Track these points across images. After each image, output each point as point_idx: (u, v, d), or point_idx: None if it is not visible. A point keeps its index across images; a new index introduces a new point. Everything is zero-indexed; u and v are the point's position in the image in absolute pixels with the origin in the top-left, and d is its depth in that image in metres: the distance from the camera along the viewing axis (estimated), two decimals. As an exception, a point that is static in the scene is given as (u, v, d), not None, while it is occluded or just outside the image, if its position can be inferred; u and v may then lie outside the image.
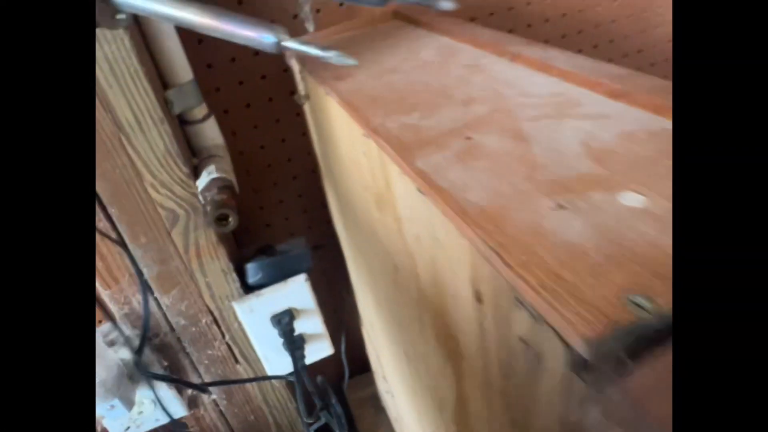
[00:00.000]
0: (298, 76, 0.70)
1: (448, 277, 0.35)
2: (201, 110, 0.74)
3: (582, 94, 0.40)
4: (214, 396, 0.90)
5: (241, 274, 0.82)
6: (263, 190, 0.97)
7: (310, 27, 0.80)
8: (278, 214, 1.01)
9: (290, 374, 0.87)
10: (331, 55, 0.31)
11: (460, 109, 0.42)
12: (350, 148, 0.53)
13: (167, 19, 0.32)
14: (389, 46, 0.63)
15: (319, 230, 1.05)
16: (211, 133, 0.76)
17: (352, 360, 1.11)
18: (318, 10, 0.83)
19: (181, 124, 0.74)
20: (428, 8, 0.39)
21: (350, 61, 0.32)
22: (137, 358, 0.72)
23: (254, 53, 0.83)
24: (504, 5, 0.94)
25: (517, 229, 0.27)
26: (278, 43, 0.31)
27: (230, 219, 0.63)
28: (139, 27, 0.67)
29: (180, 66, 0.70)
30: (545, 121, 0.37)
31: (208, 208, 0.64)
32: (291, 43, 0.31)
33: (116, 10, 0.35)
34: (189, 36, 0.78)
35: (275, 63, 0.84)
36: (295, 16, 0.82)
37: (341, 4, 0.84)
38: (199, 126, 0.75)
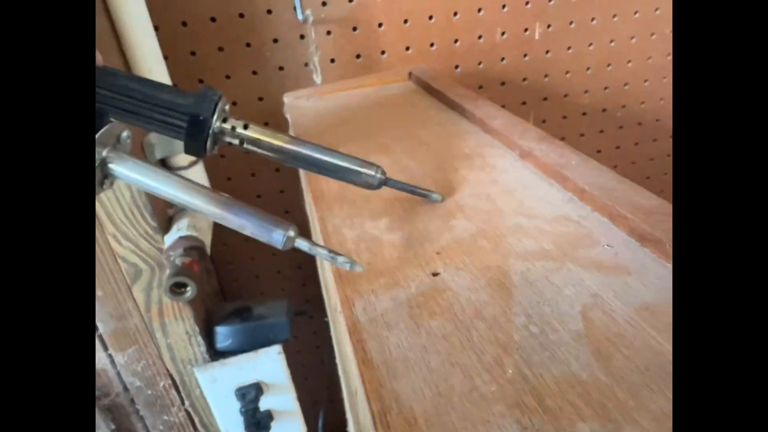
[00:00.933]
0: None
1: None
2: (188, 156, 0.68)
3: (599, 226, 0.31)
4: (167, 465, 0.81)
5: (211, 336, 0.74)
6: (256, 241, 0.89)
7: (317, 79, 0.74)
8: (270, 267, 0.93)
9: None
10: (339, 261, 0.28)
11: (438, 222, 0.33)
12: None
13: (173, 200, 0.28)
14: (391, 115, 0.55)
15: (313, 287, 0.96)
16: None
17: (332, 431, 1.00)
18: (333, 60, 0.76)
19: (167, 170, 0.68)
20: (421, 197, 0.36)
21: (358, 268, 0.28)
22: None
23: (258, 98, 0.77)
24: (540, 71, 0.86)
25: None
26: (286, 240, 0.28)
27: (188, 288, 0.56)
28: (124, 59, 0.62)
29: (168, 108, 0.64)
30: (542, 263, 0.28)
31: (167, 271, 0.56)
32: (301, 243, 0.28)
33: (107, 176, 0.29)
34: (186, 78, 0.73)
35: (280, 108, 0.78)
36: (307, 64, 0.76)
37: (358, 56, 0.77)
38: (183, 173, 0.69)
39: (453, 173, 0.40)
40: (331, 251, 0.27)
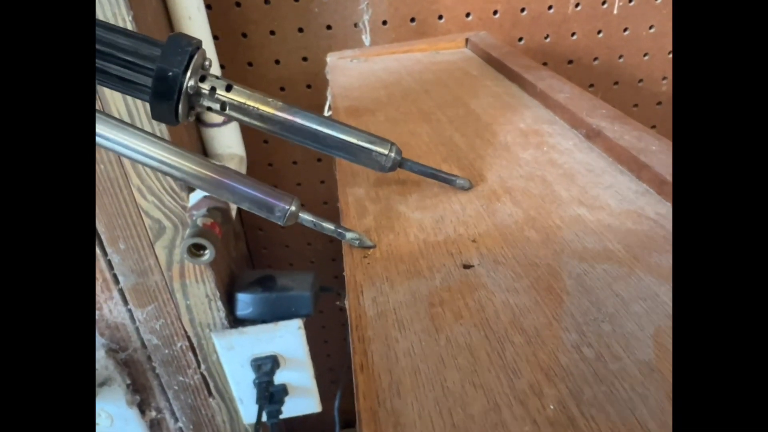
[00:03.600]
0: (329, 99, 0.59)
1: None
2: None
3: (681, 228, 0.24)
4: (180, 424, 0.80)
5: (232, 302, 0.71)
6: (289, 209, 0.86)
7: (366, 40, 0.68)
8: (301, 238, 0.90)
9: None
10: (348, 238, 0.25)
11: (479, 204, 0.28)
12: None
13: (155, 169, 0.24)
14: (440, 82, 0.49)
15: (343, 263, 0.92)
16: (228, 140, 0.67)
17: (347, 412, 0.98)
18: (384, 22, 0.71)
19: (198, 123, 0.65)
20: (444, 183, 0.31)
21: (368, 244, 0.25)
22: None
23: (303, 58, 0.72)
24: (614, 51, 0.77)
25: None
26: (288, 216, 0.24)
27: (206, 251, 0.53)
28: (164, 3, 0.59)
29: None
30: (604, 266, 0.22)
31: (187, 231, 0.54)
32: (305, 218, 0.25)
33: None
34: (229, 31, 0.69)
35: (322, 72, 0.73)
36: (356, 25, 0.70)
37: (412, 20, 0.71)
38: (216, 130, 0.65)
39: (503, 150, 0.34)
40: (338, 227, 0.22)
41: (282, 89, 0.74)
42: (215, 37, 0.68)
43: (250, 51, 0.71)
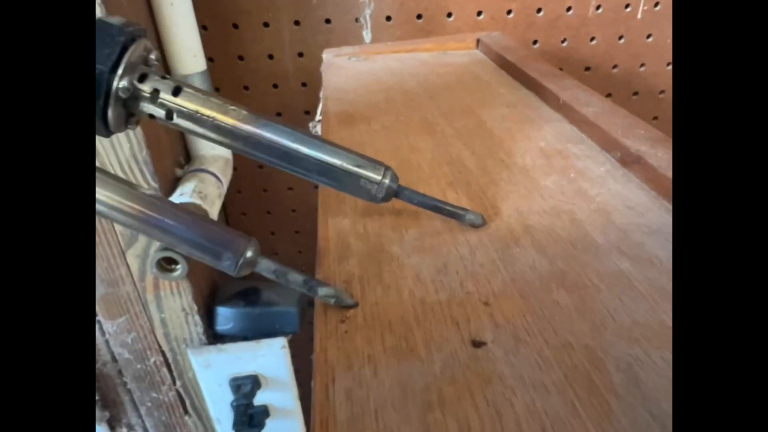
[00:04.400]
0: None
1: None
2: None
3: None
4: (153, 443, 0.75)
5: (211, 316, 0.66)
6: (279, 215, 0.80)
7: (367, 37, 0.62)
8: (292, 245, 0.84)
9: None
10: (320, 294, 0.19)
11: (492, 249, 0.22)
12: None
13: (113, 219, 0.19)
14: (448, 88, 0.43)
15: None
16: (212, 140, 0.61)
17: None
18: (388, 18, 0.65)
19: (180, 122, 0.59)
20: (455, 219, 0.24)
21: (349, 302, 0.19)
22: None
23: (298, 53, 0.66)
24: (635, 59, 0.71)
25: None
26: (241, 264, 0.19)
27: (178, 266, 0.47)
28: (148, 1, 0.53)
29: (189, 52, 0.55)
30: (665, 353, 0.16)
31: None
32: (265, 266, 0.20)
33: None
34: (218, 21, 0.63)
35: (319, 69, 0.67)
36: (357, 19, 0.65)
37: (419, 17, 0.65)
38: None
39: (521, 174, 0.28)
40: (308, 279, 0.17)
41: (275, 86, 0.68)
42: (203, 27, 0.62)
43: (241, 44, 0.65)
